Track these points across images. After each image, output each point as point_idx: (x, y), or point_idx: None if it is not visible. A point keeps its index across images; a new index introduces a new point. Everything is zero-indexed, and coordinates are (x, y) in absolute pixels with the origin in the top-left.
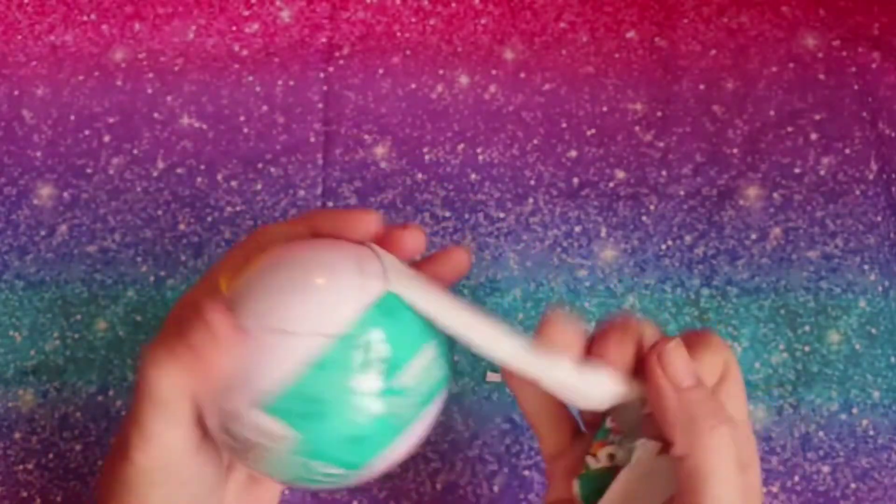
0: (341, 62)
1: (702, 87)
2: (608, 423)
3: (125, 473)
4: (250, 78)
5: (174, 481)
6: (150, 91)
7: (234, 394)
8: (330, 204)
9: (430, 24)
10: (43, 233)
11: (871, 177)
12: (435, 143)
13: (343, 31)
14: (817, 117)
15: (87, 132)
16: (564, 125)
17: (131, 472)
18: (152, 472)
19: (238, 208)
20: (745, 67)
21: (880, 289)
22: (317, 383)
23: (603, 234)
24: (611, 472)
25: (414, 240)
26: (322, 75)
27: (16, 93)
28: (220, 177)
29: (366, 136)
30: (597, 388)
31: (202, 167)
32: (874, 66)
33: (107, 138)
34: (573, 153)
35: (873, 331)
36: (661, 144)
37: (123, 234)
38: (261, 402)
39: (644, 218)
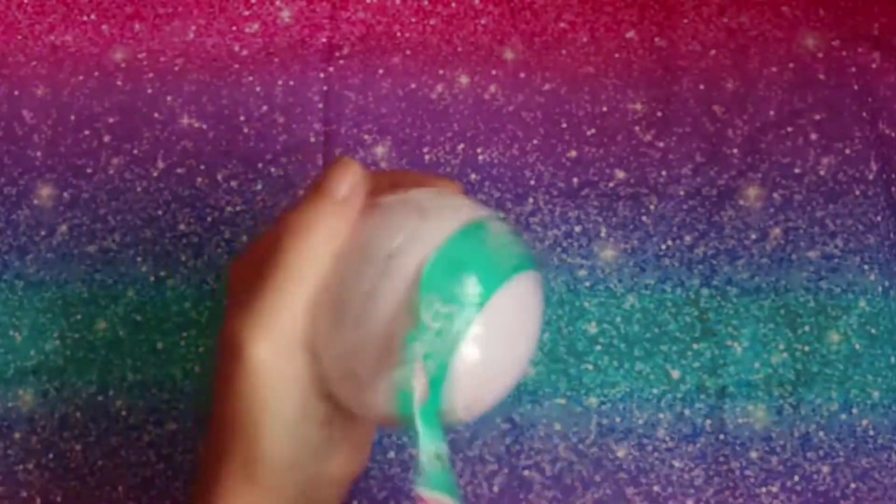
0: (341, 62)
1: (702, 87)
2: None
3: (236, 369)
4: (250, 78)
5: (291, 368)
6: (150, 91)
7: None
8: None
9: (430, 24)
10: (43, 233)
11: (871, 177)
12: (435, 143)
13: (343, 31)
14: (817, 117)
15: (87, 132)
16: (564, 125)
17: (254, 369)
18: (273, 361)
19: (238, 208)
20: (745, 67)
21: (880, 289)
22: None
23: (603, 234)
24: None
25: None
26: (322, 75)
27: (16, 93)
28: (220, 177)
29: (366, 136)
30: None
31: (202, 167)
32: (874, 66)
33: (107, 138)
34: (573, 153)
35: (873, 331)
36: (661, 144)
37: (123, 234)
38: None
39: (644, 218)
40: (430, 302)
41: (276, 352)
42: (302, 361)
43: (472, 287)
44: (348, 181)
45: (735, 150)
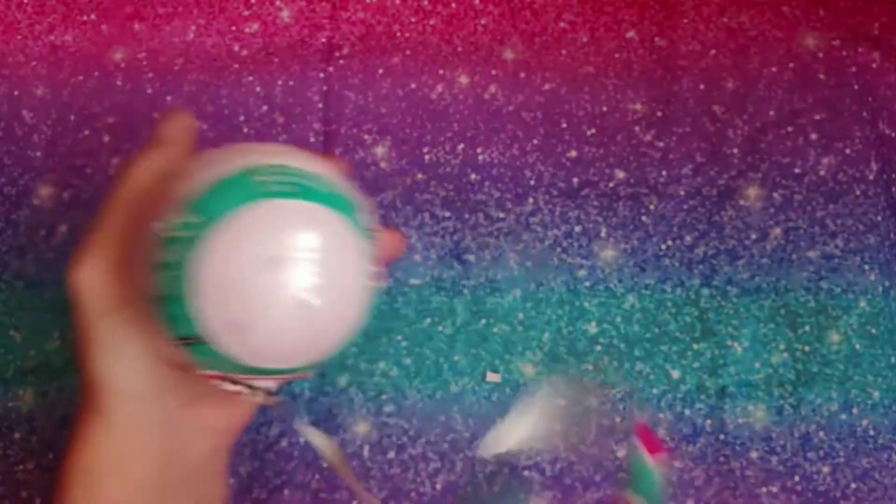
0: (341, 62)
1: (702, 87)
2: None
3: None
4: (250, 78)
5: (126, 308)
6: (149, 91)
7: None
8: None
9: (430, 24)
10: (43, 233)
11: (871, 177)
12: (435, 143)
13: (343, 31)
14: (817, 117)
15: (86, 132)
16: (564, 125)
17: (79, 292)
18: (94, 284)
19: None
20: (745, 67)
21: (880, 289)
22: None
23: (603, 234)
24: None
25: (394, 242)
26: (322, 75)
27: (16, 93)
28: None
29: (366, 136)
30: None
31: None
32: (874, 66)
33: (106, 138)
34: (573, 153)
35: (873, 331)
36: (661, 144)
37: None
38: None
39: (644, 218)
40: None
41: (94, 274)
42: (126, 296)
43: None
44: (170, 126)
45: (735, 150)
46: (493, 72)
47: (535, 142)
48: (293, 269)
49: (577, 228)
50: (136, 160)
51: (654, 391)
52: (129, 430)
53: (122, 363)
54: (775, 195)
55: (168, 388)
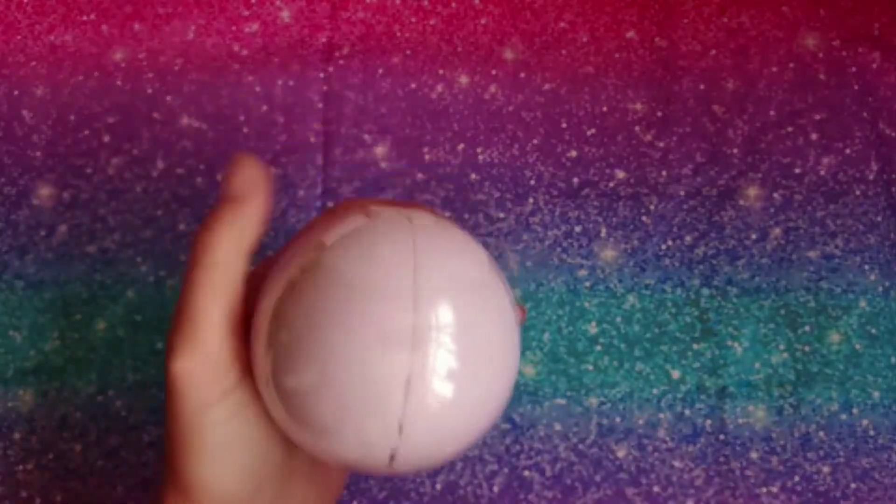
0: (341, 62)
1: (702, 87)
2: None
3: (173, 388)
4: (250, 78)
5: (231, 394)
6: (149, 91)
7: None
8: (329, 204)
9: (430, 24)
10: (43, 233)
11: (871, 177)
12: (435, 143)
13: (343, 31)
14: (817, 117)
15: (86, 132)
16: (564, 125)
17: (179, 384)
18: (198, 374)
19: None
20: (745, 67)
21: (880, 289)
22: None
23: (603, 234)
24: None
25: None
26: (322, 75)
27: (15, 93)
28: (220, 177)
29: (366, 136)
30: None
31: (202, 167)
32: (874, 66)
33: (106, 138)
34: (573, 153)
35: (873, 331)
36: (661, 144)
37: (123, 234)
38: None
39: (644, 218)
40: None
41: (197, 367)
42: (236, 381)
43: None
44: (243, 178)
45: (735, 150)
46: (493, 72)
47: (535, 142)
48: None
49: (577, 228)
50: (211, 228)
51: (654, 391)
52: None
53: (221, 464)
54: (775, 195)
55: (265, 484)
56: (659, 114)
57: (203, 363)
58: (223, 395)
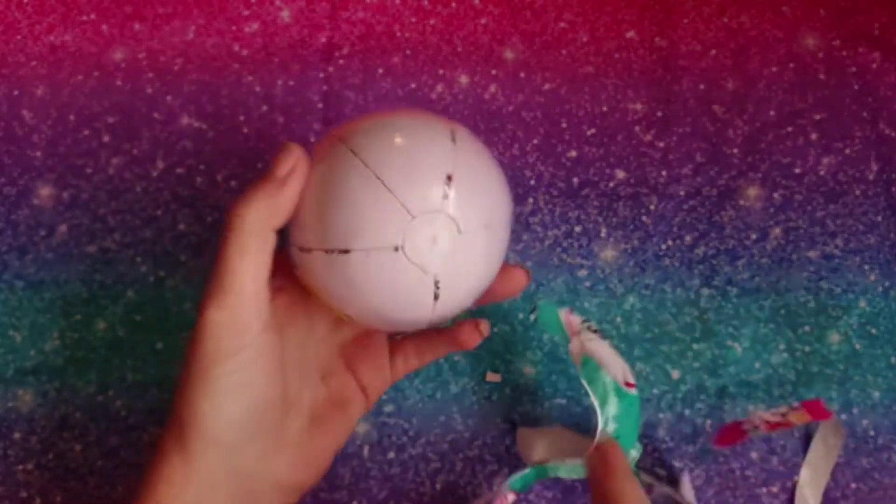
0: (341, 62)
1: (702, 87)
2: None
3: (199, 338)
4: (250, 78)
5: (243, 351)
6: (149, 91)
7: None
8: None
9: (430, 24)
10: (43, 233)
11: (871, 177)
12: None
13: (343, 31)
14: (817, 117)
15: (86, 132)
16: (564, 125)
17: (206, 334)
18: (222, 326)
19: None
20: (745, 67)
21: (880, 289)
22: None
23: (603, 234)
24: None
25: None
26: (322, 75)
27: (15, 93)
28: (219, 177)
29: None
30: None
31: (202, 167)
32: (874, 66)
33: (106, 138)
34: (573, 153)
35: (873, 331)
36: (661, 144)
37: (123, 234)
38: None
39: (644, 218)
40: None
41: (225, 320)
42: (262, 335)
43: None
44: (289, 163)
45: (735, 150)
46: (493, 72)
47: (535, 142)
48: None
49: (577, 228)
50: (249, 199)
51: (654, 391)
52: (209, 478)
53: (223, 412)
54: (775, 195)
55: (257, 438)
56: (659, 114)
57: (230, 317)
58: (238, 350)
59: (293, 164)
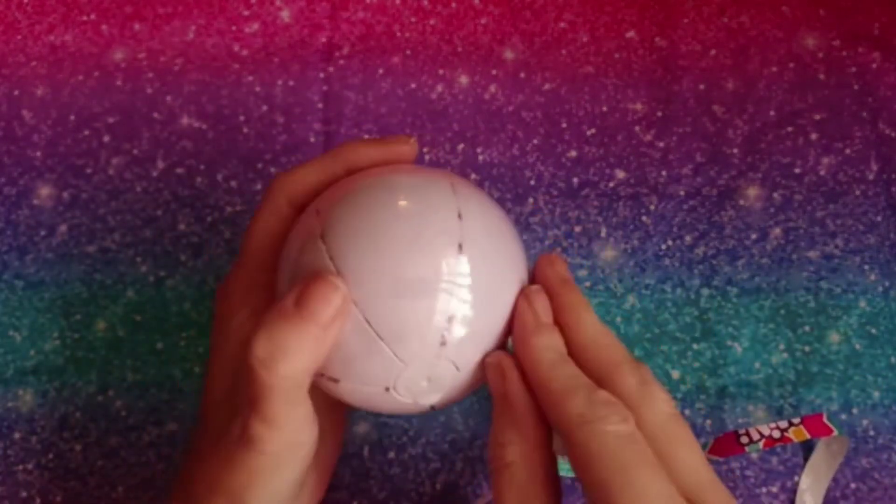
0: (341, 62)
1: (702, 87)
2: None
3: (251, 464)
4: (250, 78)
5: (299, 454)
6: (149, 91)
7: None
8: None
9: (430, 24)
10: (43, 233)
11: (871, 177)
12: (435, 143)
13: (343, 31)
14: (817, 117)
15: (86, 132)
16: (564, 125)
17: (260, 462)
18: (280, 455)
19: (238, 208)
20: (745, 67)
21: (880, 289)
22: None
23: (603, 234)
24: None
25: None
26: (322, 75)
27: (16, 93)
28: (220, 177)
29: (366, 136)
30: None
31: (202, 167)
32: (874, 66)
33: (106, 138)
34: (573, 153)
35: (873, 331)
36: (661, 144)
37: (123, 234)
38: None
39: (644, 218)
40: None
41: (288, 456)
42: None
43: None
44: (334, 305)
45: (735, 150)
46: (493, 72)
47: (535, 142)
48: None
49: (577, 228)
50: (284, 338)
51: None
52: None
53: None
54: (775, 195)
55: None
56: (659, 114)
57: (290, 456)
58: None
59: (339, 307)
